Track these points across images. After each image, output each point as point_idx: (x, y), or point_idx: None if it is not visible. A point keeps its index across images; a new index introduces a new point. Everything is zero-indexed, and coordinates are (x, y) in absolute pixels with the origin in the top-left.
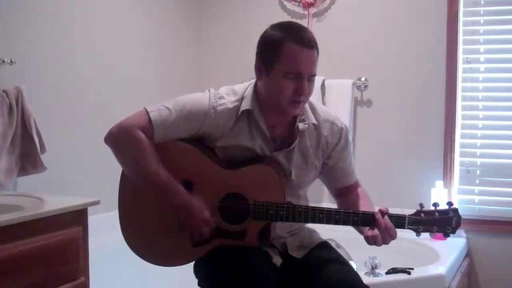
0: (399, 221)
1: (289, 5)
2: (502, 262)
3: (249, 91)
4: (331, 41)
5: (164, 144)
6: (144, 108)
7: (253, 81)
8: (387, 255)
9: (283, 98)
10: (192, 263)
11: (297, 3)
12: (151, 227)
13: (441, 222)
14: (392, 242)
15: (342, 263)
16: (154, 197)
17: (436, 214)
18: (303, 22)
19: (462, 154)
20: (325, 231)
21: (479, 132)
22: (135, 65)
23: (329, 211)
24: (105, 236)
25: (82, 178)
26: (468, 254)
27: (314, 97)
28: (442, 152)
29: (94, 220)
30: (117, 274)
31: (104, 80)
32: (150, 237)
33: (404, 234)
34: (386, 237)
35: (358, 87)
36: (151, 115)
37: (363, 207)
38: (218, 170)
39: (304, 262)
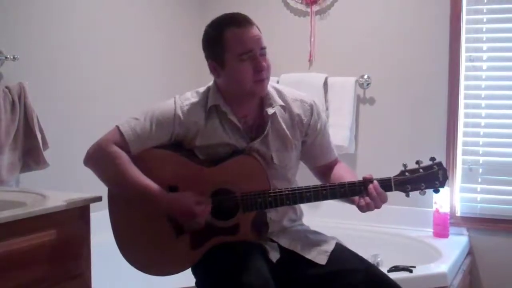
0: (386, 184)
1: (292, 3)
2: (504, 261)
3: (211, 88)
4: (333, 39)
5: (144, 153)
6: (116, 125)
7: (211, 82)
8: (389, 253)
9: (246, 81)
10: None
11: (300, 1)
12: (147, 239)
13: (427, 178)
14: (394, 240)
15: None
16: (143, 208)
17: (421, 170)
18: (306, 20)
19: (465, 152)
20: (326, 229)
21: (481, 131)
22: (138, 62)
23: (315, 188)
24: (107, 232)
25: (85, 175)
26: (470, 252)
27: (317, 95)
28: (444, 150)
29: (96, 216)
30: (119, 271)
31: (106, 76)
32: (147, 249)
33: (407, 232)
34: (378, 202)
35: (361, 85)
36: (121, 128)
37: (348, 178)
38: (201, 170)
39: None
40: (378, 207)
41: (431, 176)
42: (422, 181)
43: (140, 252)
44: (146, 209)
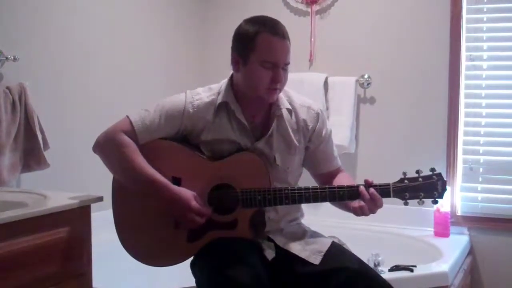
0: (384, 190)
1: (292, 2)
2: (505, 260)
3: (224, 85)
4: (334, 39)
5: (150, 144)
6: (126, 115)
7: (225, 79)
8: (390, 252)
9: (260, 86)
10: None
11: (300, 0)
12: (146, 229)
13: (426, 187)
14: (395, 240)
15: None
16: (145, 198)
17: (420, 179)
18: (306, 20)
19: (465, 152)
20: (327, 229)
21: (482, 130)
22: (139, 64)
23: (314, 189)
24: (108, 232)
25: (86, 175)
26: (471, 251)
27: (317, 94)
28: (445, 149)
29: (97, 216)
30: (120, 271)
31: (107, 77)
32: (145, 239)
33: (408, 232)
34: (373, 207)
35: (361, 85)
36: (131, 118)
37: (347, 183)
38: (204, 163)
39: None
40: (372, 211)
41: (430, 186)
42: (421, 190)
43: (139, 242)
44: (148, 200)
